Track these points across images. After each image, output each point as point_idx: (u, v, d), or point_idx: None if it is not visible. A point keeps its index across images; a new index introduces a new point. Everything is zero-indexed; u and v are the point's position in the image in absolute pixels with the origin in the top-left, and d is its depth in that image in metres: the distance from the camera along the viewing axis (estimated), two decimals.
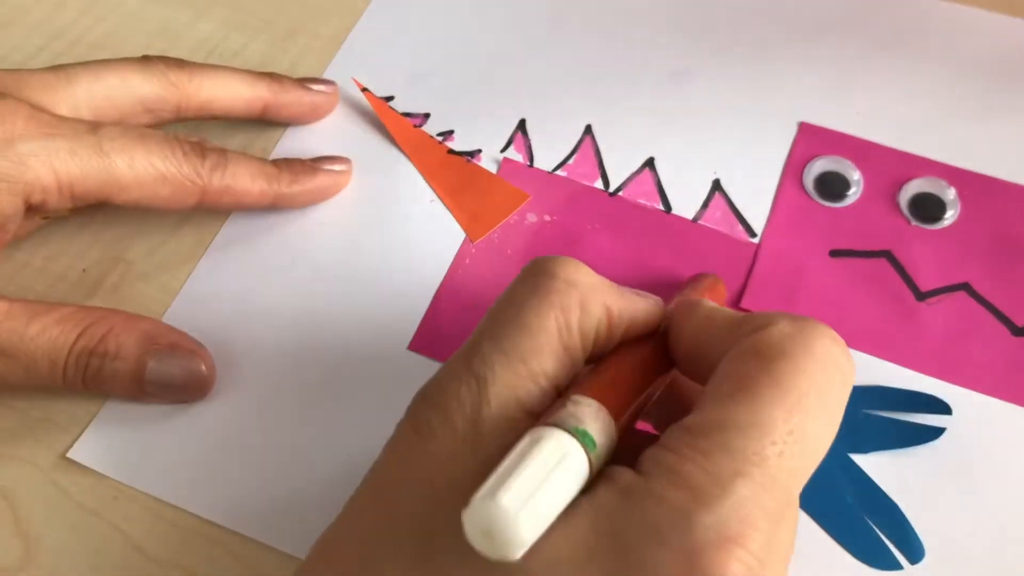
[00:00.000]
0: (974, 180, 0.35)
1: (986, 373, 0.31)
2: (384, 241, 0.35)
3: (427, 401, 0.23)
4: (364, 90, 0.38)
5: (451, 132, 0.37)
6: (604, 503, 0.20)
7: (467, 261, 0.34)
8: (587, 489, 0.21)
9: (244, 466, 0.30)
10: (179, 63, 0.34)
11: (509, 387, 0.22)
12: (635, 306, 0.25)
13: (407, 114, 0.38)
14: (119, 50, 0.40)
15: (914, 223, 0.35)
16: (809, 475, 0.21)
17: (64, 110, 0.32)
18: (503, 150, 0.37)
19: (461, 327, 0.33)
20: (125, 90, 0.33)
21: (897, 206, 0.35)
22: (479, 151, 0.37)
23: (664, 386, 0.26)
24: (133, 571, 0.29)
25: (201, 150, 0.32)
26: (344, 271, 0.34)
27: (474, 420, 0.22)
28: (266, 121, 0.37)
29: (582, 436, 0.20)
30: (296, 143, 0.37)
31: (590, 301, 0.24)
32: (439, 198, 0.36)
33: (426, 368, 0.32)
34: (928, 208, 0.35)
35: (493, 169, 0.36)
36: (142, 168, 0.30)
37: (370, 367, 0.32)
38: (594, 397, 0.22)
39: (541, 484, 0.19)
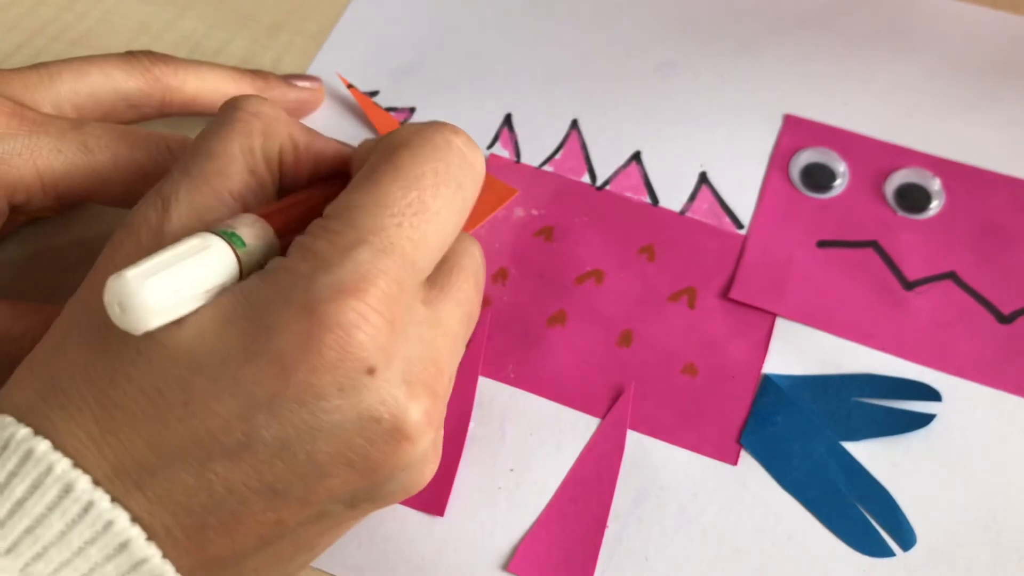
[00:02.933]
0: (959, 170, 0.36)
1: (974, 361, 0.32)
2: None
3: (121, 224, 0.25)
4: (349, 86, 0.38)
5: None
6: (248, 284, 0.23)
7: None
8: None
9: None
10: (164, 58, 0.34)
11: (192, 205, 0.24)
12: (323, 143, 0.28)
13: (392, 109, 0.37)
14: (100, 47, 0.39)
15: (900, 213, 0.35)
16: (438, 247, 0.25)
17: (47, 108, 0.31)
18: (489, 146, 0.37)
19: None
20: (108, 86, 0.32)
21: (883, 196, 0.35)
22: None
23: None
24: None
25: (185, 147, 0.31)
26: None
27: (157, 234, 0.24)
28: None
29: (229, 236, 0.23)
30: None
31: (273, 129, 0.27)
32: None
33: None
34: (914, 198, 0.35)
35: None
36: (126, 165, 0.30)
37: None
38: (260, 215, 0.24)
39: (173, 265, 0.22)
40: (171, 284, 0.21)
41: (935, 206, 0.35)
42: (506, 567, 0.28)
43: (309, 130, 0.28)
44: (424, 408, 0.23)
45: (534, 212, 0.35)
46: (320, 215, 0.24)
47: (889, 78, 0.38)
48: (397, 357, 0.23)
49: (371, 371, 0.22)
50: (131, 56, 0.33)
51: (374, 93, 0.38)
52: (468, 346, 0.32)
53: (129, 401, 0.22)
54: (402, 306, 0.23)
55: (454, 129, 0.26)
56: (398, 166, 0.24)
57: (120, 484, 0.22)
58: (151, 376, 0.22)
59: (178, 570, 0.22)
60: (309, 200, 0.27)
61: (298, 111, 0.37)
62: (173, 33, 0.40)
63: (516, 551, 0.29)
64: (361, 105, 0.37)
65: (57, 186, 0.30)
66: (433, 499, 0.29)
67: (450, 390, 0.25)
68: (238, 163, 0.26)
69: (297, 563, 0.25)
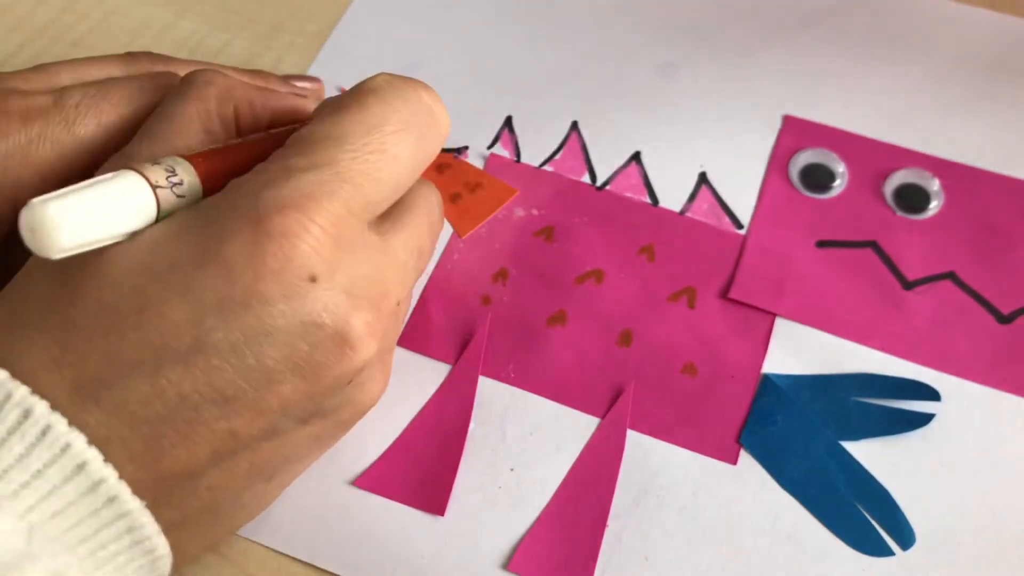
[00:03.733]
0: (958, 171, 0.36)
1: (974, 361, 0.32)
2: None
3: None
4: None
5: None
6: (204, 201, 0.24)
7: (455, 256, 0.34)
8: None
9: None
10: (163, 59, 0.34)
11: (149, 158, 0.25)
12: (278, 99, 0.30)
13: None
14: (101, 48, 0.39)
15: (899, 213, 0.35)
16: (392, 187, 0.26)
17: None
18: (490, 147, 0.37)
19: (450, 321, 0.33)
20: None
21: (882, 197, 0.35)
22: (466, 148, 0.37)
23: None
24: None
25: (166, 83, 0.31)
26: None
27: None
28: None
29: (147, 169, 0.24)
30: None
31: (229, 92, 0.28)
32: None
33: (415, 363, 0.32)
34: (913, 199, 0.35)
35: (480, 165, 0.36)
36: (112, 123, 0.30)
37: None
38: (187, 157, 0.25)
39: (81, 191, 0.22)
40: (75, 205, 0.22)
41: (934, 206, 0.35)
42: (506, 566, 0.28)
43: (264, 90, 0.30)
44: (365, 320, 0.24)
45: (534, 212, 0.35)
46: (244, 152, 0.26)
47: (888, 79, 0.38)
48: (340, 271, 0.24)
49: (313, 279, 0.23)
50: (131, 57, 0.33)
51: None
52: (467, 346, 0.32)
53: (88, 317, 0.23)
54: (348, 227, 0.24)
55: (426, 87, 0.27)
56: (364, 107, 0.26)
57: (78, 400, 0.22)
58: (108, 289, 0.23)
59: (135, 490, 0.22)
60: (249, 145, 0.27)
61: (296, 113, 0.37)
62: (173, 34, 0.40)
63: (516, 550, 0.29)
64: None
65: (55, 173, 0.29)
66: (433, 498, 0.29)
67: (401, 318, 0.27)
68: (194, 124, 0.27)
69: (254, 492, 0.26)
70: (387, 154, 0.25)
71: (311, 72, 0.39)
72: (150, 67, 0.33)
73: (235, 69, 0.35)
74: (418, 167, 0.27)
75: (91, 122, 0.30)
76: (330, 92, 0.38)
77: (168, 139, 0.27)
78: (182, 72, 0.33)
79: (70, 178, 0.30)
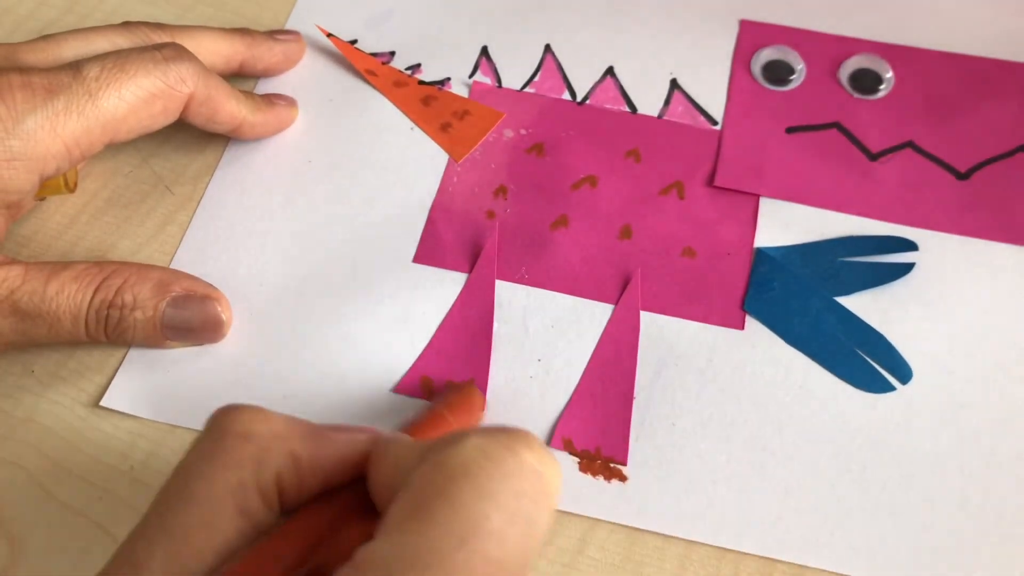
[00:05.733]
0: (904, 52, 0.39)
1: (940, 213, 0.35)
2: (373, 171, 0.36)
3: None
4: (329, 35, 0.39)
5: (418, 65, 0.39)
6: None
7: (455, 179, 0.36)
8: None
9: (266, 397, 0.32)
10: (159, 26, 0.35)
11: (168, 573, 0.21)
12: (333, 449, 0.23)
13: (372, 54, 0.39)
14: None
15: (856, 95, 0.38)
16: None
17: None
18: (471, 75, 0.39)
19: (460, 235, 0.34)
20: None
21: (839, 82, 0.38)
22: (448, 79, 0.38)
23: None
24: None
25: (179, 53, 0.32)
26: (340, 203, 0.35)
27: None
28: (241, 75, 0.38)
29: None
30: (272, 87, 0.38)
31: (269, 453, 0.22)
32: (418, 126, 0.37)
33: (434, 276, 0.34)
34: (866, 81, 0.38)
35: (465, 94, 0.38)
36: (132, 95, 0.31)
37: (381, 282, 0.34)
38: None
39: None
40: None
41: (886, 86, 0.38)
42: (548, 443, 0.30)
43: (317, 437, 0.23)
44: None
45: (523, 131, 0.37)
46: (327, 543, 0.21)
47: None
48: None
49: None
50: (131, 24, 0.35)
51: (353, 42, 0.40)
52: (480, 255, 0.34)
53: None
54: None
55: (527, 442, 0.21)
56: (455, 504, 0.20)
57: None
58: None
59: None
60: (299, 535, 0.22)
61: (285, 64, 0.38)
62: None
63: (555, 429, 0.31)
64: (343, 52, 0.39)
65: (79, 145, 0.31)
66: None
67: None
68: (226, 508, 0.21)
69: None
70: (491, 562, 0.19)
71: (288, 26, 0.40)
72: (151, 35, 0.34)
73: (221, 30, 0.36)
74: (528, 560, 0.20)
75: (112, 94, 0.31)
76: (312, 43, 0.39)
77: (191, 536, 0.21)
78: (178, 39, 0.34)
79: (91, 145, 0.31)
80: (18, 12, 0.41)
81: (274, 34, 0.38)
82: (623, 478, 0.30)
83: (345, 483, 0.23)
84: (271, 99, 0.37)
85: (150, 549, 0.21)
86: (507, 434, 0.21)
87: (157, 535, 0.21)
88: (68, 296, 0.30)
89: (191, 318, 0.32)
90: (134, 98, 0.31)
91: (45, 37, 0.33)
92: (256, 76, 0.38)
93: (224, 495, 0.21)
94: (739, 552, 0.29)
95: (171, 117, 0.33)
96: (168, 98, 0.32)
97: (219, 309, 0.32)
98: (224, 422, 0.23)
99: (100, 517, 0.30)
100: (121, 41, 0.34)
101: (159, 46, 0.32)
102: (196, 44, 0.35)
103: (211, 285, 0.33)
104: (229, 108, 0.34)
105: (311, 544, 0.21)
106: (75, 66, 0.31)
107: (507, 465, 0.20)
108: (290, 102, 0.37)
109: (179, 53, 0.32)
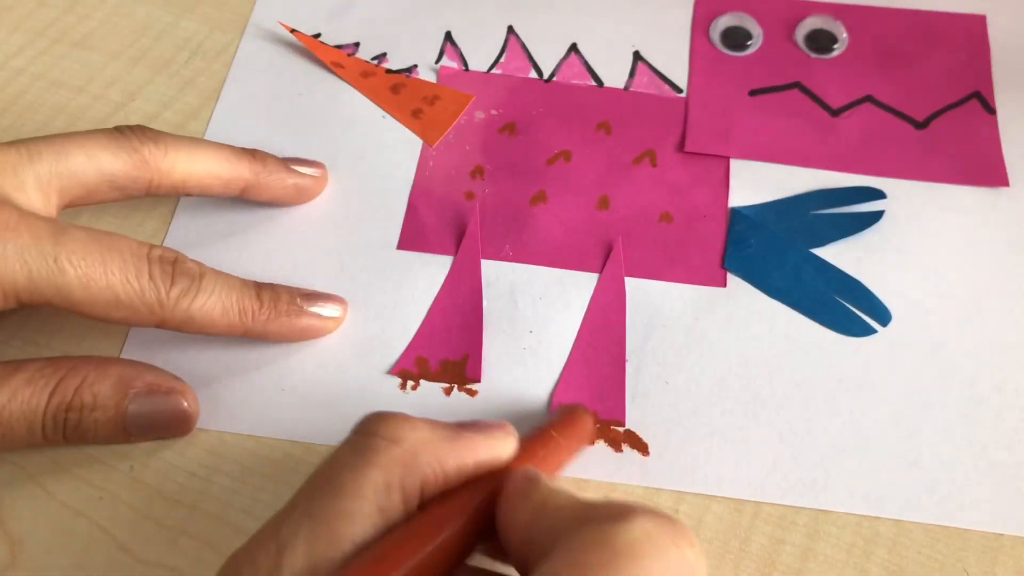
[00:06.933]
0: (856, 11, 0.40)
1: (903, 162, 0.36)
2: (346, 162, 0.36)
3: (231, 561, 0.23)
4: (293, 31, 0.39)
5: (384, 55, 0.39)
6: None
7: (431, 163, 0.36)
8: None
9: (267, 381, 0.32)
10: (154, 137, 0.31)
11: (307, 555, 0.22)
12: (472, 455, 0.24)
13: (337, 47, 0.39)
14: (102, 48, 0.40)
15: (813, 55, 0.39)
16: None
17: (31, 187, 0.29)
18: (437, 61, 0.39)
19: (442, 219, 0.35)
20: (92, 167, 0.30)
21: (795, 44, 0.39)
22: (415, 66, 0.39)
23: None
24: (119, 572, 0.29)
25: (172, 274, 0.29)
26: (320, 197, 0.36)
27: None
28: (243, 199, 0.34)
29: None
30: (244, 87, 0.38)
31: (417, 458, 0.23)
32: (389, 115, 0.38)
33: (419, 261, 0.34)
34: (822, 40, 0.39)
35: (432, 79, 0.38)
36: (98, 290, 0.28)
37: (367, 271, 0.34)
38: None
39: None
40: None
41: (840, 45, 0.39)
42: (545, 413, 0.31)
43: (457, 442, 0.24)
44: None
45: (493, 112, 0.38)
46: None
47: None
48: None
49: None
50: (119, 135, 0.31)
51: (316, 36, 0.40)
52: (464, 236, 0.34)
53: None
54: None
55: (690, 539, 0.21)
56: None
57: None
58: None
59: None
60: (429, 535, 0.23)
61: (297, 198, 0.35)
62: (174, 34, 0.40)
63: (552, 395, 0.31)
64: (308, 46, 0.39)
65: (19, 296, 0.27)
66: (469, 367, 0.32)
67: None
68: (368, 503, 0.22)
69: None
70: None
71: (249, 24, 0.40)
72: (139, 147, 0.31)
73: (226, 149, 0.33)
74: None
75: (77, 277, 0.28)
76: (275, 38, 0.39)
77: (332, 523, 0.22)
78: (171, 156, 0.31)
79: (32, 301, 0.28)
80: (17, 12, 0.41)
81: (292, 163, 0.35)
82: (626, 441, 0.31)
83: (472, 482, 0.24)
84: (304, 302, 0.32)
85: (294, 531, 0.22)
86: (673, 526, 0.21)
87: (302, 520, 0.22)
88: (22, 402, 0.28)
89: (155, 414, 0.30)
90: (98, 294, 0.28)
91: (17, 145, 0.29)
92: (261, 204, 0.35)
93: (369, 492, 0.23)
94: (756, 502, 0.30)
95: (135, 324, 0.30)
96: (133, 312, 0.29)
97: (185, 403, 0.30)
98: (374, 426, 0.24)
99: (100, 517, 0.30)
100: (103, 155, 0.30)
101: (164, 259, 0.29)
102: (191, 163, 0.32)
103: (175, 377, 0.31)
104: (222, 325, 0.30)
105: (435, 557, 0.22)
106: (59, 229, 0.28)
107: (670, 557, 0.21)
108: (314, 172, 0.34)
109: (165, 274, 0.29)
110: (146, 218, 0.35)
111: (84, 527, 0.29)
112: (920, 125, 0.37)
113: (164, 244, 0.34)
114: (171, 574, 0.29)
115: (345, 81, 0.38)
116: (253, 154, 0.34)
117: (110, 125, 0.34)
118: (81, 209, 0.35)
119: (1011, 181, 0.35)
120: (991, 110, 0.37)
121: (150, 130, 0.32)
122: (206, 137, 0.37)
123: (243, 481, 0.30)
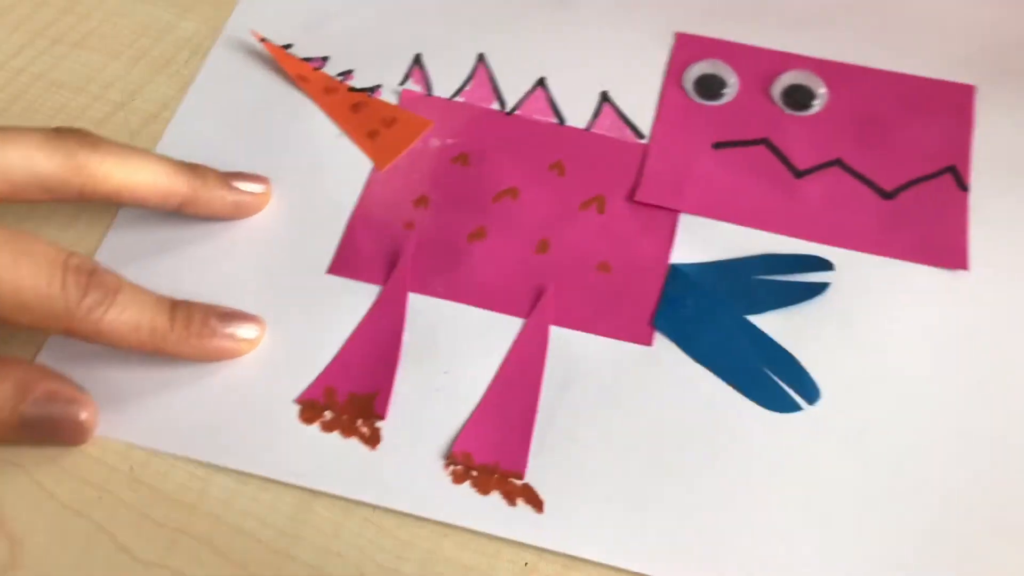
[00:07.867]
0: (839, 69, 0.38)
1: (862, 233, 0.34)
2: (294, 178, 0.36)
3: None
4: (263, 40, 0.39)
5: (350, 72, 0.39)
6: None
7: (376, 188, 0.36)
8: None
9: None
10: (92, 143, 0.31)
11: None
12: None
13: (307, 59, 0.39)
14: (102, 48, 0.40)
15: (788, 111, 0.37)
16: None
17: None
18: (402, 83, 0.39)
19: (376, 246, 0.34)
20: (25, 166, 0.30)
21: (771, 98, 0.38)
22: (379, 86, 0.39)
23: None
24: (119, 572, 0.29)
25: (86, 285, 0.29)
26: (263, 211, 0.35)
27: None
28: (181, 214, 0.34)
29: None
30: (206, 96, 0.38)
31: None
32: (345, 133, 0.37)
33: (346, 288, 0.34)
34: (799, 97, 0.38)
35: (394, 101, 0.38)
36: (4, 292, 0.27)
37: (293, 293, 0.34)
38: None
39: None
40: None
41: (818, 102, 0.38)
42: (446, 456, 0.30)
43: None
44: None
45: (449, 141, 0.37)
46: None
47: None
48: None
49: None
50: (57, 136, 0.31)
51: (288, 46, 0.40)
52: (395, 267, 0.34)
53: None
54: None
55: None
56: None
57: None
58: None
59: None
60: None
61: (236, 214, 0.35)
62: (174, 34, 0.40)
63: (456, 439, 0.31)
64: (274, 56, 0.39)
65: None
66: (377, 403, 0.31)
67: None
68: None
69: None
70: None
71: (225, 31, 0.40)
72: (75, 151, 0.31)
73: (166, 163, 0.33)
74: None
75: None
76: (246, 47, 0.39)
77: None
78: (108, 165, 0.31)
79: None
80: (17, 13, 0.41)
81: (232, 179, 0.34)
82: (521, 495, 0.30)
83: None
84: (217, 324, 0.31)
85: None
86: None
87: None
88: None
89: (51, 420, 0.30)
90: (3, 297, 0.28)
91: None
92: (199, 219, 0.35)
93: None
94: (624, 571, 0.29)
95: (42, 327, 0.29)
96: (39, 318, 0.28)
97: (83, 415, 0.30)
98: None
99: (100, 517, 0.30)
100: (38, 156, 0.30)
101: (80, 269, 0.29)
102: (128, 173, 0.32)
103: (78, 388, 0.31)
104: (131, 341, 0.30)
105: None
106: None
107: None
108: (255, 189, 0.34)
109: (78, 284, 0.28)
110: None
111: (84, 527, 0.30)
112: (887, 195, 0.35)
113: (98, 253, 0.35)
114: (171, 574, 0.29)
115: (307, 95, 0.38)
116: (194, 169, 0.34)
117: (110, 125, 0.35)
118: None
119: (972, 265, 0.34)
120: (964, 187, 0.35)
121: (91, 135, 0.31)
122: (160, 144, 0.37)
123: (243, 481, 0.30)
